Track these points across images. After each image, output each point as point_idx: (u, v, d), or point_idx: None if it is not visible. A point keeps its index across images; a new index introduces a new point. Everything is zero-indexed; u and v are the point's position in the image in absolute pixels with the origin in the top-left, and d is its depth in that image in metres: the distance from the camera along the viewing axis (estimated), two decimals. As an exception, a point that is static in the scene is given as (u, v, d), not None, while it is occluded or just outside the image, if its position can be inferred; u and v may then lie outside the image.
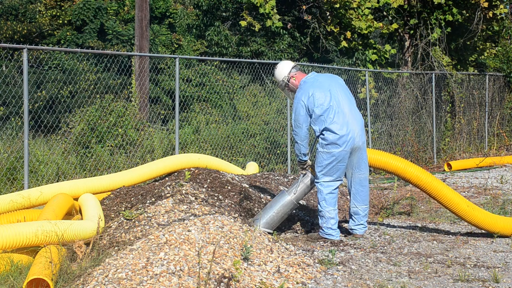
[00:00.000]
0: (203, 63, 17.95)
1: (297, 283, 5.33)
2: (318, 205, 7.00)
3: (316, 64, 13.95)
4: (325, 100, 6.85)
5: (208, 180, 8.04)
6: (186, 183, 7.60)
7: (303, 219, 7.76)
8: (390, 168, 7.33)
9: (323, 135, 6.84)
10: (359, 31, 16.71)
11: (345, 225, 7.67)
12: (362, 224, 7.25)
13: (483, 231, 7.47)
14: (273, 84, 15.10)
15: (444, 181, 12.18)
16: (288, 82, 7.24)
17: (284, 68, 7.29)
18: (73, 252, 5.85)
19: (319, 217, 7.03)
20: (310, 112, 6.87)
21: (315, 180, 6.98)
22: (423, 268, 5.92)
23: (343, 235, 7.32)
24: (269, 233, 6.76)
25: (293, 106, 7.05)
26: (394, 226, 7.96)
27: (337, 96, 6.93)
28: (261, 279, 5.20)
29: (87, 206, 6.99)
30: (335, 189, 6.94)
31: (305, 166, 7.11)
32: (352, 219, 7.25)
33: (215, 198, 7.50)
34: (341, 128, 6.82)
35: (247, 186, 8.21)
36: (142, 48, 15.26)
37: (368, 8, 16.83)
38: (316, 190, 7.12)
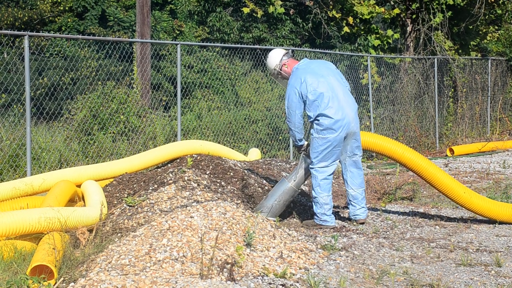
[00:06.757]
0: (204, 50, 17.91)
1: (300, 268, 5.34)
2: (313, 191, 6.97)
3: (318, 50, 13.89)
4: (318, 85, 6.79)
5: (211, 167, 8.05)
6: (188, 170, 7.60)
7: (305, 204, 7.77)
8: (386, 152, 7.35)
9: (318, 120, 6.78)
10: (361, 16, 16.62)
11: (346, 212, 7.67)
12: (363, 208, 7.20)
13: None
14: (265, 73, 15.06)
15: (446, 166, 12.19)
16: (280, 70, 7.21)
17: (275, 57, 7.26)
18: (76, 238, 5.87)
19: (313, 203, 7.00)
20: (304, 98, 6.80)
21: (310, 166, 6.94)
22: (425, 253, 5.93)
23: (345, 222, 7.33)
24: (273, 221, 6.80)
25: (286, 93, 6.99)
26: (396, 212, 7.97)
27: (330, 81, 6.88)
28: (263, 265, 5.21)
29: (89, 193, 7.00)
30: (330, 174, 6.90)
31: (303, 149, 7.09)
32: (352, 205, 7.17)
33: (218, 184, 7.51)
34: (336, 112, 6.76)
35: (249, 172, 8.21)
36: (144, 35, 15.20)
37: (370, -8, 16.74)
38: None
